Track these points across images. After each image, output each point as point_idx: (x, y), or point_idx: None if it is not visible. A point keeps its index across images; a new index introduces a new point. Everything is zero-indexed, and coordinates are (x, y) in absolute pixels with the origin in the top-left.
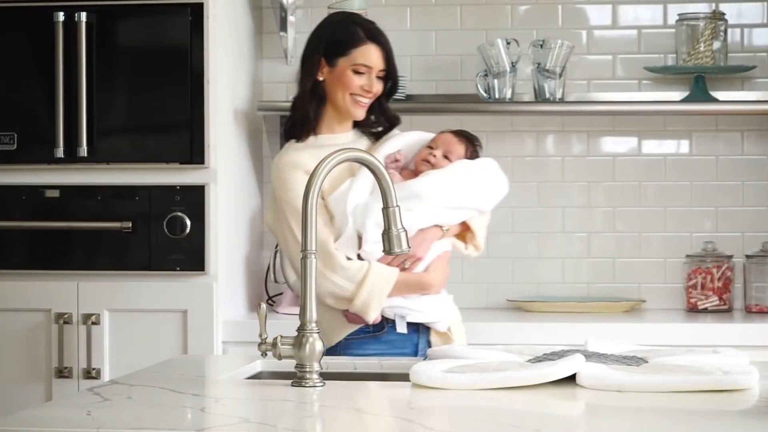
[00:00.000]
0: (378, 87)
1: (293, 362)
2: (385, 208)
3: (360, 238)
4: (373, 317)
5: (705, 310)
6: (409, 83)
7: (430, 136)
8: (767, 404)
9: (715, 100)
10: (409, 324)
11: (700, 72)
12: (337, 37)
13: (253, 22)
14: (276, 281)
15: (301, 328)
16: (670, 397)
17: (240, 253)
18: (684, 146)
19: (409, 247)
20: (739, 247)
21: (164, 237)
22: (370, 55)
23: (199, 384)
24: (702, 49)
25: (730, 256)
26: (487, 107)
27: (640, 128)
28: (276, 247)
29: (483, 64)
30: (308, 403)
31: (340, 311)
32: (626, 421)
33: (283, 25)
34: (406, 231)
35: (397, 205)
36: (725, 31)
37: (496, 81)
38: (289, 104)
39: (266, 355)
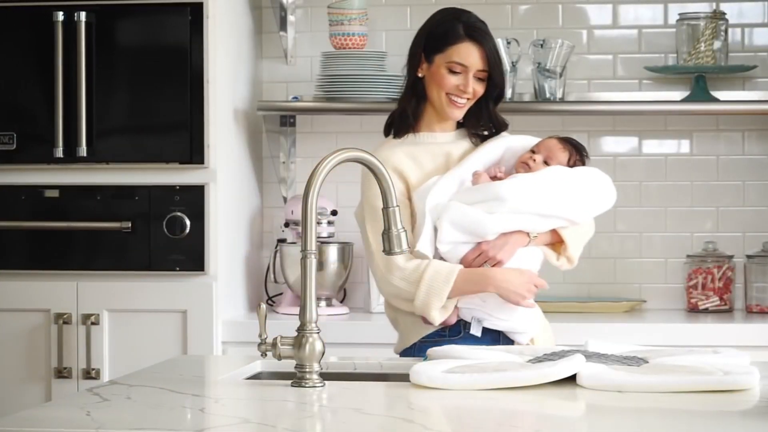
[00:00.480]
0: (477, 88)
1: (293, 362)
2: (385, 209)
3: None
4: (437, 318)
5: (706, 311)
6: None
7: (536, 141)
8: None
9: (716, 100)
10: (488, 331)
11: (700, 72)
12: (437, 32)
13: (252, 22)
14: (276, 281)
15: (301, 329)
16: (670, 398)
17: (240, 253)
18: (685, 146)
19: (409, 248)
20: (740, 247)
21: (164, 237)
22: (466, 53)
23: (199, 384)
24: (702, 48)
25: (731, 256)
26: None
27: (640, 128)
28: (276, 247)
29: None
30: (308, 404)
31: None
32: (626, 421)
33: (282, 25)
34: (406, 231)
35: (397, 205)
36: (726, 31)
37: None
38: (289, 104)
39: (266, 355)
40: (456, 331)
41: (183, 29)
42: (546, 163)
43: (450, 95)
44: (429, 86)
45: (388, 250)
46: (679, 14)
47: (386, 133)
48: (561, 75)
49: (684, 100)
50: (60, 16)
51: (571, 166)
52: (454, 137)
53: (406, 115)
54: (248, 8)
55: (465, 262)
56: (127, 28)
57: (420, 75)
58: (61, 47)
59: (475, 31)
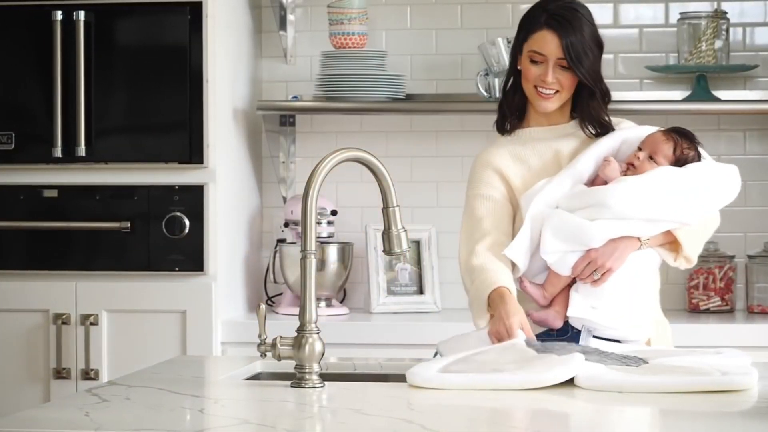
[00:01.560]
0: (561, 78)
1: (293, 363)
2: (385, 208)
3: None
4: (479, 325)
5: (707, 311)
6: (409, 83)
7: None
8: (766, 405)
9: (717, 100)
10: (597, 338)
11: (702, 71)
12: (524, 21)
13: (252, 21)
14: (275, 281)
15: (301, 329)
16: (669, 398)
17: (239, 254)
18: None
19: (409, 248)
20: (742, 248)
21: (163, 237)
22: (543, 42)
23: (198, 385)
24: (704, 48)
25: (732, 257)
26: (487, 107)
27: None
28: (275, 247)
29: (483, 63)
30: (308, 404)
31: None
32: (626, 421)
33: (282, 24)
34: (406, 231)
35: (397, 205)
36: (727, 30)
37: (496, 80)
38: (288, 104)
39: (266, 355)
40: (564, 332)
41: (182, 28)
42: (651, 158)
43: (537, 87)
44: (523, 78)
45: (388, 250)
46: (680, 13)
47: (498, 130)
48: None
49: (685, 100)
50: (59, 15)
51: (679, 157)
52: (565, 130)
53: (508, 111)
54: (248, 7)
55: (574, 271)
56: (126, 28)
57: (519, 67)
58: (59, 46)
59: (555, 18)
